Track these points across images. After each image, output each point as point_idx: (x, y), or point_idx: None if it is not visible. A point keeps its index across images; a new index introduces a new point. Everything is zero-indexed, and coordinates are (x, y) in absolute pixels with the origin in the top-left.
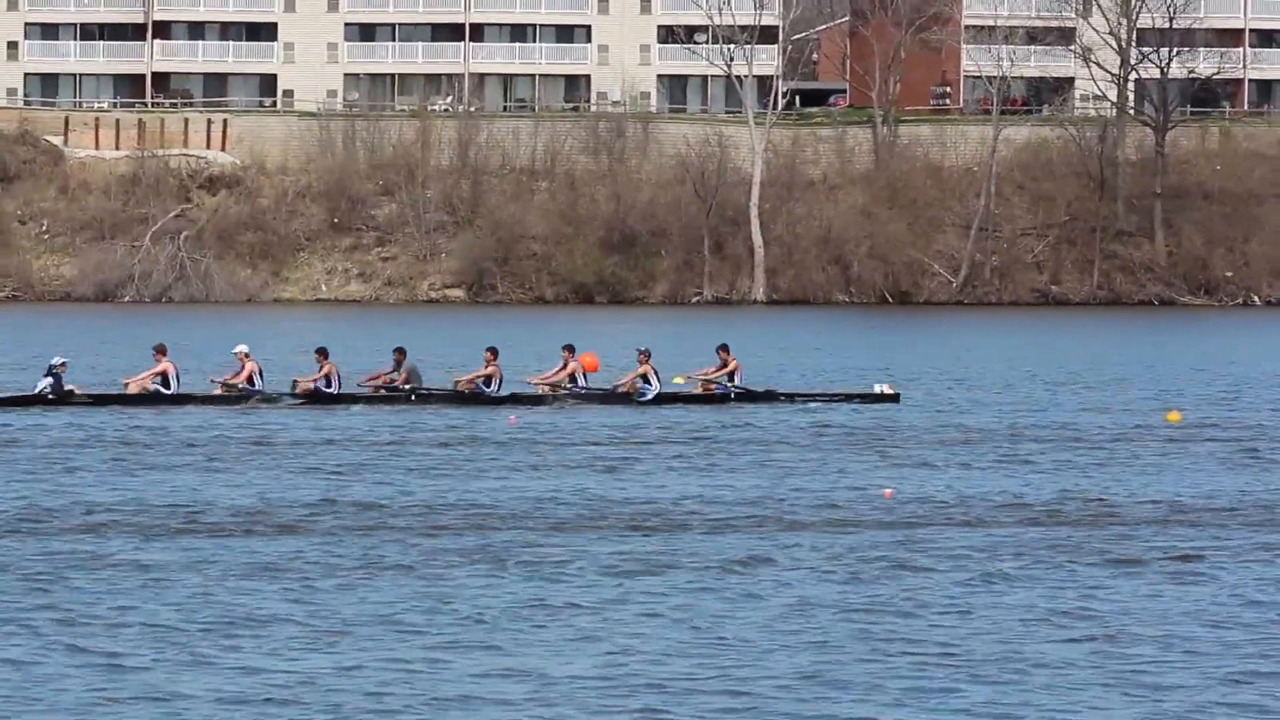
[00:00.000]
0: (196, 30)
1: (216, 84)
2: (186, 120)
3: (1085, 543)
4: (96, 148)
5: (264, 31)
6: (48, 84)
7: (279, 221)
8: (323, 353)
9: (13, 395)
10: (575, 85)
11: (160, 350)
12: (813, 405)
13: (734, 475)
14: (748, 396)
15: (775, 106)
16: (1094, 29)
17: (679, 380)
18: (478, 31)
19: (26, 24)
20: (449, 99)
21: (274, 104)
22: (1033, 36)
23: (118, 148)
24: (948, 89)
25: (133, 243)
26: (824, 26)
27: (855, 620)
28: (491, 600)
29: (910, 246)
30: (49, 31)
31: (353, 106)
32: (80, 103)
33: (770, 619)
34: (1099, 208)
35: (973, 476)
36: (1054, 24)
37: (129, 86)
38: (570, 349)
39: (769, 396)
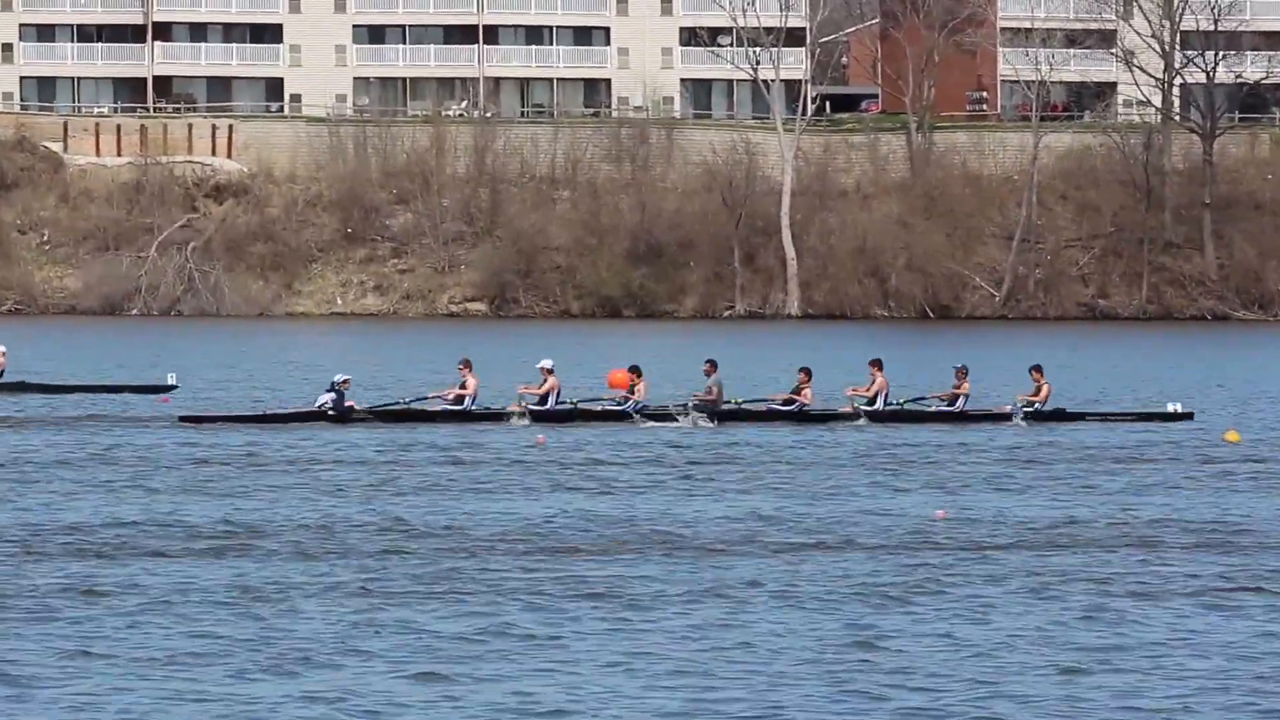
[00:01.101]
0: (199, 32)
1: (220, 88)
2: (190, 126)
3: None
4: (97, 154)
5: (269, 33)
6: (44, 88)
7: (289, 232)
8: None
9: (292, 411)
10: (595, 89)
11: (466, 365)
12: (1101, 423)
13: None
14: (1044, 416)
15: (804, 112)
16: (1135, 31)
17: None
18: (491, 33)
19: (21, 25)
20: (463, 104)
21: (280, 109)
22: (1072, 39)
23: (119, 154)
24: (984, 94)
25: (138, 254)
26: (853, 29)
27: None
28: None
29: (949, 258)
30: (45, 33)
31: (363, 111)
32: (79, 107)
33: None
34: (1145, 218)
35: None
36: (1093, 26)
37: (129, 90)
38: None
39: (1061, 416)
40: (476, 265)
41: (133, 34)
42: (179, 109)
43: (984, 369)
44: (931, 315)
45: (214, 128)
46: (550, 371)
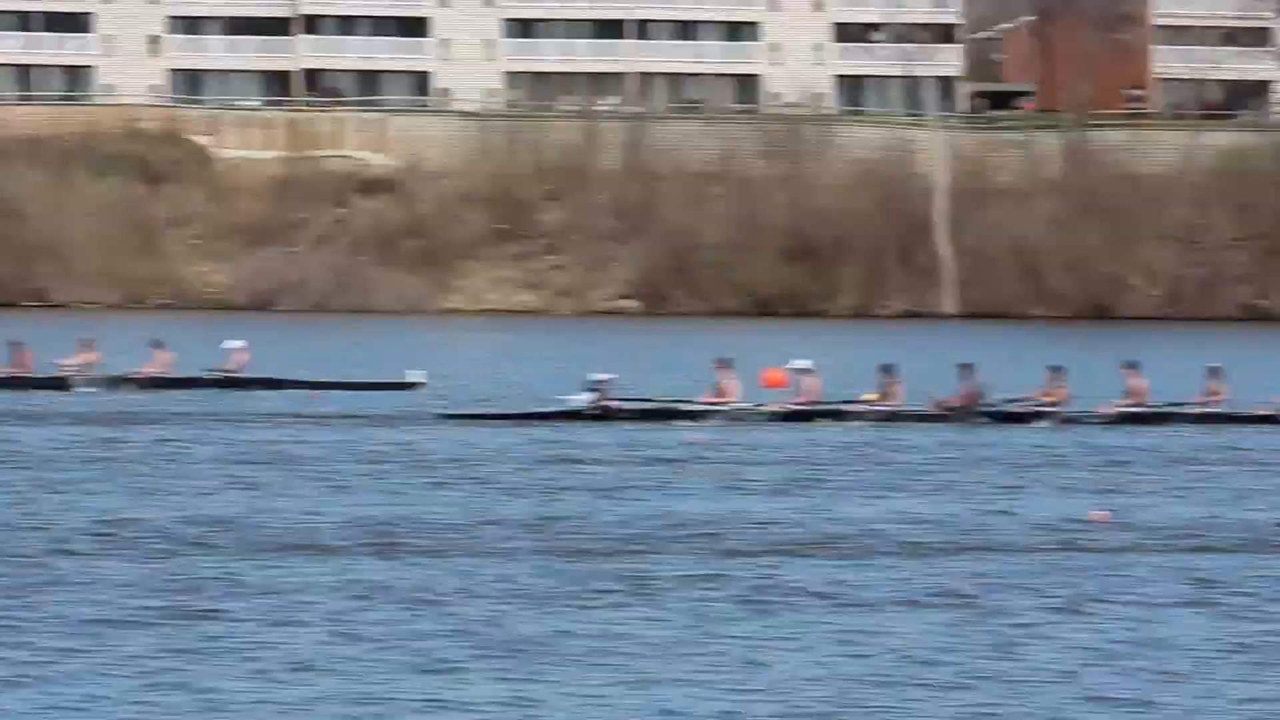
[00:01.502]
0: (347, 25)
1: (368, 81)
2: (340, 120)
3: None
4: (246, 148)
5: (417, 27)
6: (193, 81)
7: (441, 227)
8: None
9: (553, 410)
10: (746, 85)
11: (722, 365)
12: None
13: None
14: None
15: (959, 109)
16: None
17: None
18: (643, 28)
19: (169, 18)
20: (615, 99)
21: (429, 103)
22: (1229, 37)
23: (268, 148)
24: (1141, 92)
25: (288, 249)
26: (1008, 25)
27: None
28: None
29: (1107, 258)
30: (192, 26)
31: (514, 106)
32: (228, 101)
33: None
34: None
35: None
36: (1250, 24)
37: (277, 84)
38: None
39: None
40: (629, 262)
41: (280, 27)
42: (328, 103)
43: (1156, 369)
44: (1089, 315)
45: (364, 122)
46: (806, 372)
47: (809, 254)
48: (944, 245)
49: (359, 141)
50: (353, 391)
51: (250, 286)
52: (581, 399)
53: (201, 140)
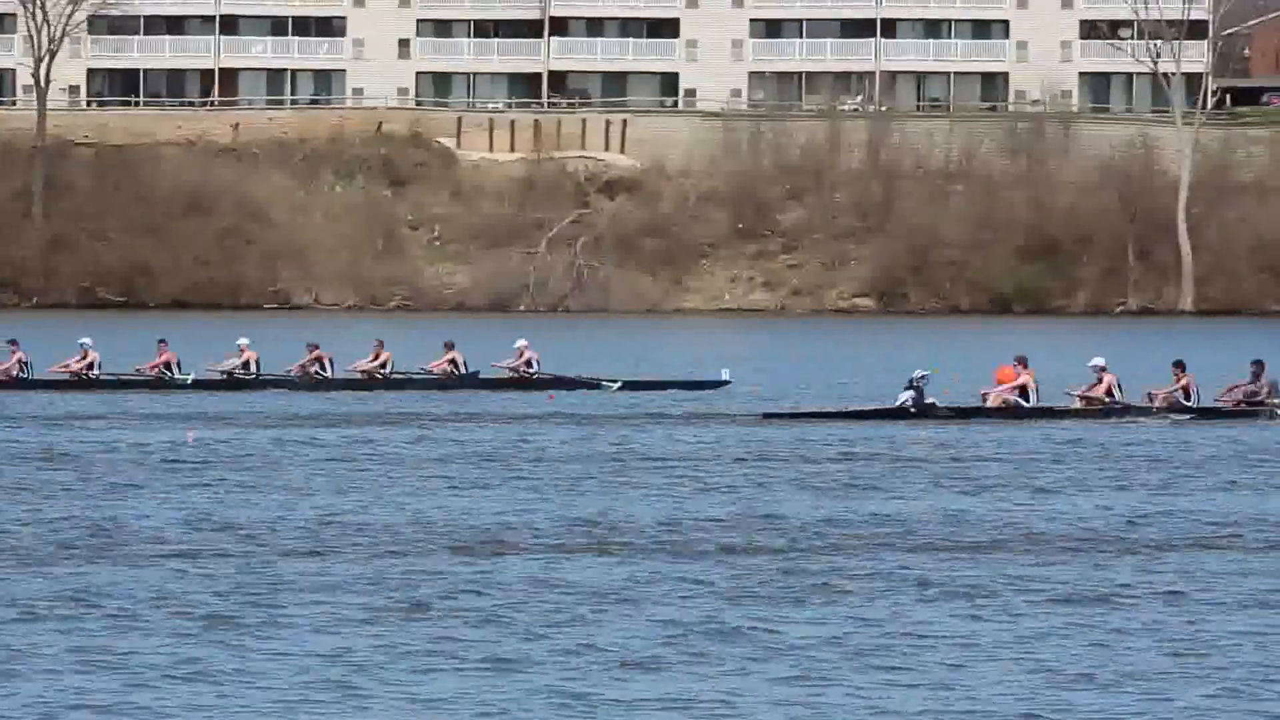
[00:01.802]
0: (595, 27)
1: (615, 83)
2: (584, 121)
3: None
4: (490, 150)
5: (665, 28)
6: (440, 83)
7: (680, 228)
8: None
9: (874, 408)
10: (992, 83)
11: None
12: None
13: None
14: None
15: (1205, 105)
16: None
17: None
18: (889, 27)
19: (419, 20)
20: (859, 98)
21: (674, 104)
22: None
23: (512, 150)
24: None
25: (528, 249)
26: (1257, 21)
27: None
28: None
29: None
30: (442, 29)
31: (758, 106)
32: (473, 103)
33: None
34: None
35: None
36: None
37: (524, 86)
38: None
39: None
40: (867, 261)
41: (529, 29)
42: (573, 104)
43: None
44: None
45: (607, 123)
46: (1103, 370)
47: (1047, 252)
48: (1184, 242)
49: (602, 143)
50: (664, 390)
51: (488, 288)
52: (904, 397)
53: (446, 142)
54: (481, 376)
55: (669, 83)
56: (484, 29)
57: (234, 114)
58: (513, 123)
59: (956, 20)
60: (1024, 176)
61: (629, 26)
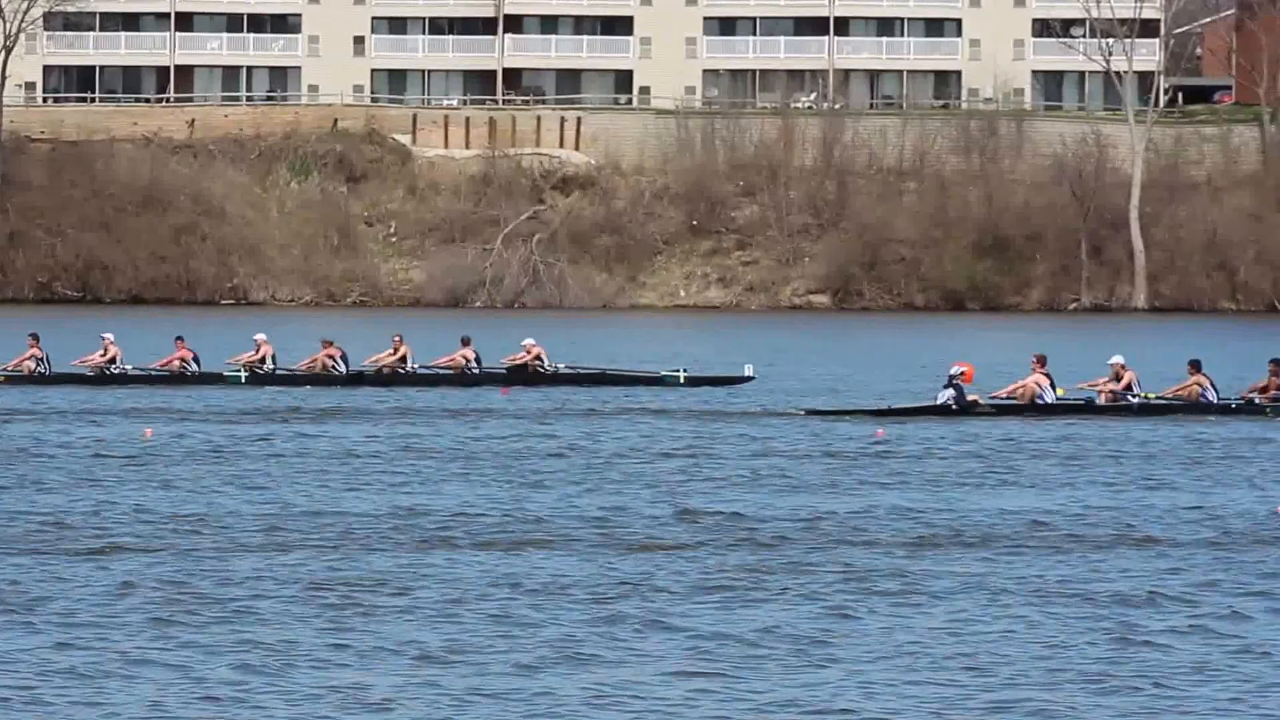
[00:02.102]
0: (549, 24)
1: (569, 80)
2: (539, 118)
3: None
4: (445, 147)
5: (619, 25)
6: (395, 80)
7: (635, 224)
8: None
9: (913, 406)
10: (945, 81)
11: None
12: None
13: None
14: None
15: (1156, 104)
16: None
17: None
18: (842, 25)
19: (374, 18)
20: (812, 96)
21: (629, 101)
22: None
23: (467, 147)
24: None
25: (483, 246)
26: (1208, 20)
27: None
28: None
29: None
30: (396, 26)
31: (712, 104)
32: (428, 100)
33: None
34: None
35: None
36: None
37: (478, 83)
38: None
39: None
40: (821, 257)
41: (483, 26)
42: (528, 101)
43: None
44: (1279, 308)
45: (562, 120)
46: (1124, 367)
47: (1000, 249)
48: (1137, 240)
49: (557, 139)
50: (691, 387)
51: (444, 284)
52: (945, 394)
53: (402, 139)
54: (487, 370)
55: (623, 80)
56: (439, 26)
57: (189, 110)
58: (468, 120)
59: (909, 18)
60: (977, 174)
61: (583, 24)
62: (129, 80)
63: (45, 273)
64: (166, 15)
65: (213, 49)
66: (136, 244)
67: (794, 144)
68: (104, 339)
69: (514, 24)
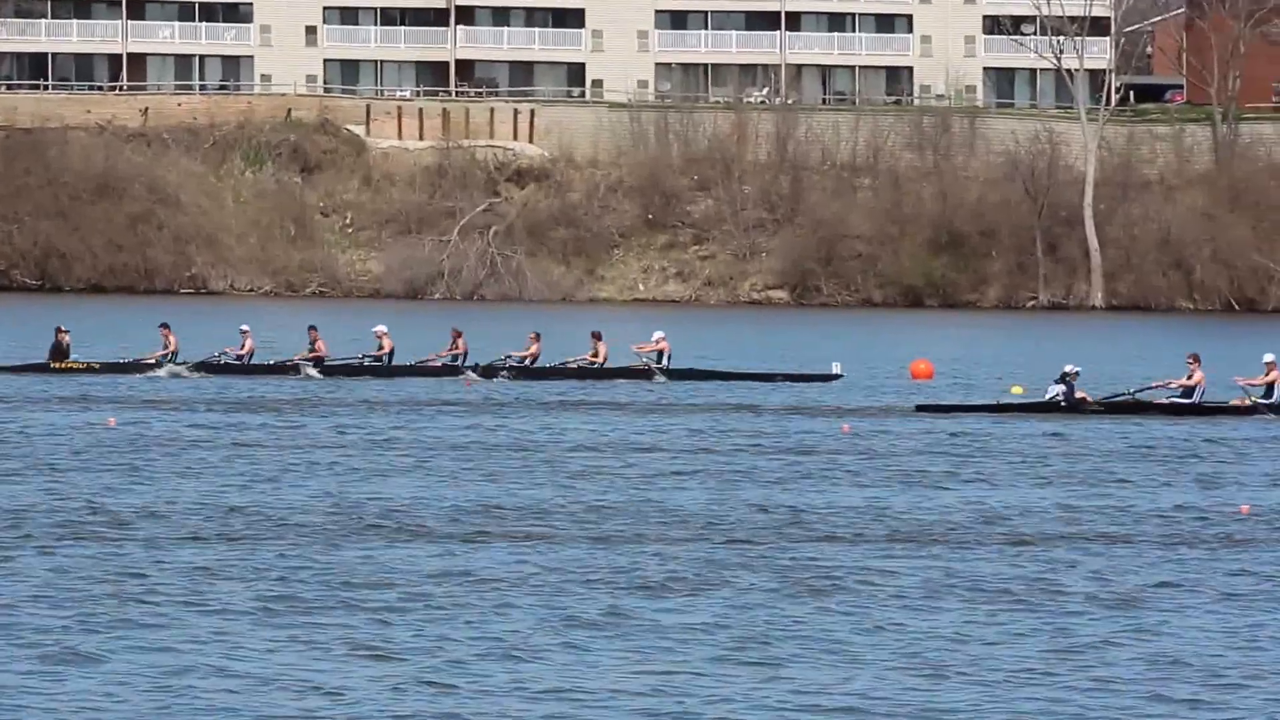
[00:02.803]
0: (501, 16)
1: (522, 73)
2: (492, 110)
3: None
4: (399, 138)
5: (571, 18)
6: (347, 71)
7: (591, 217)
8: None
9: (1026, 402)
10: (896, 77)
11: (1194, 359)
12: None
13: None
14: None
15: (1108, 102)
16: None
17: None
18: (794, 20)
19: (325, 8)
20: (765, 90)
21: (582, 94)
22: None
23: (421, 138)
24: None
25: (440, 237)
26: (1159, 19)
27: None
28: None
29: (1255, 251)
30: (349, 16)
31: (664, 98)
32: (381, 91)
33: None
34: None
35: None
36: None
37: (431, 74)
38: None
39: None
40: (777, 253)
41: (435, 18)
42: (481, 93)
43: None
44: (1236, 308)
45: (515, 112)
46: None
47: (956, 246)
48: (1092, 238)
49: (511, 132)
50: (773, 382)
51: (401, 275)
52: (1054, 390)
53: (355, 130)
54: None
55: (575, 73)
56: (390, 17)
57: (143, 98)
58: (421, 111)
59: (860, 14)
60: (931, 170)
61: (535, 16)
62: (81, 68)
63: (3, 260)
64: (118, 2)
65: (165, 37)
66: (93, 232)
67: (747, 138)
68: (242, 330)
69: (466, 15)
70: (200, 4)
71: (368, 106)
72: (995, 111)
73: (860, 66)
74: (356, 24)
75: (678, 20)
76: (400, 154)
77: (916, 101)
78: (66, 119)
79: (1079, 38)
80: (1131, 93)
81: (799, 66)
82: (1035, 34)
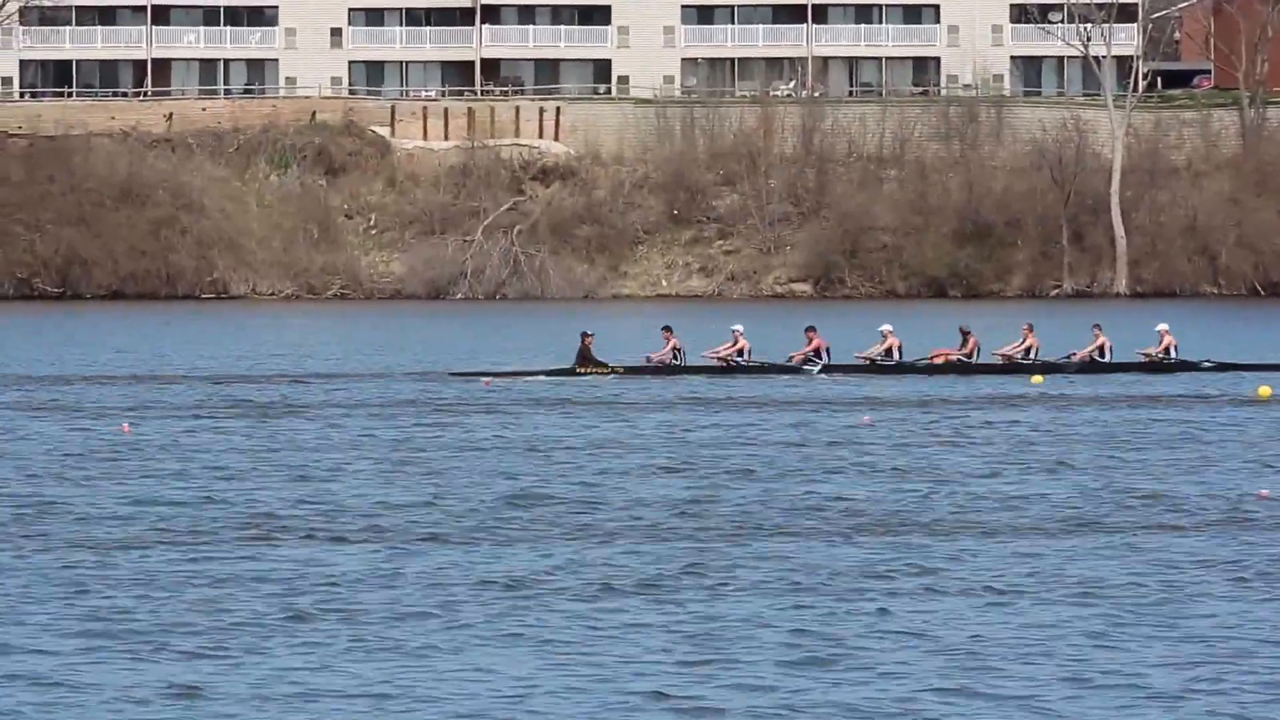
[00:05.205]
0: (527, 14)
1: (548, 70)
2: (518, 109)
3: None
4: (424, 138)
5: (597, 15)
6: (373, 72)
7: (615, 214)
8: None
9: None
10: (924, 68)
11: None
12: None
13: None
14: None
15: (1135, 88)
16: None
17: None
18: (821, 13)
19: (350, 10)
20: (791, 84)
21: (608, 91)
22: None
23: (446, 138)
24: None
25: (464, 237)
26: (1186, 4)
27: None
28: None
29: None
30: (374, 18)
31: (691, 93)
32: (407, 91)
33: None
34: None
35: None
36: None
37: (457, 74)
38: None
39: None
40: (802, 246)
41: (461, 17)
42: (506, 92)
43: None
44: (1262, 293)
45: (541, 110)
46: None
47: (981, 235)
48: (1118, 225)
49: (536, 130)
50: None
51: (424, 276)
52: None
53: (380, 131)
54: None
55: (602, 69)
56: (416, 17)
57: (167, 104)
58: (446, 111)
59: (887, 5)
60: (957, 161)
61: (561, 13)
62: (106, 74)
63: (25, 269)
64: (143, 9)
65: (189, 42)
66: (115, 238)
67: (773, 132)
68: (734, 331)
69: (491, 14)
70: (225, 8)
71: (392, 108)
72: (1022, 100)
73: (887, 58)
74: (382, 25)
75: (704, 15)
76: (425, 155)
77: (944, 92)
78: (90, 126)
79: (1106, 24)
80: (1159, 79)
81: (825, 59)
82: (1063, 22)
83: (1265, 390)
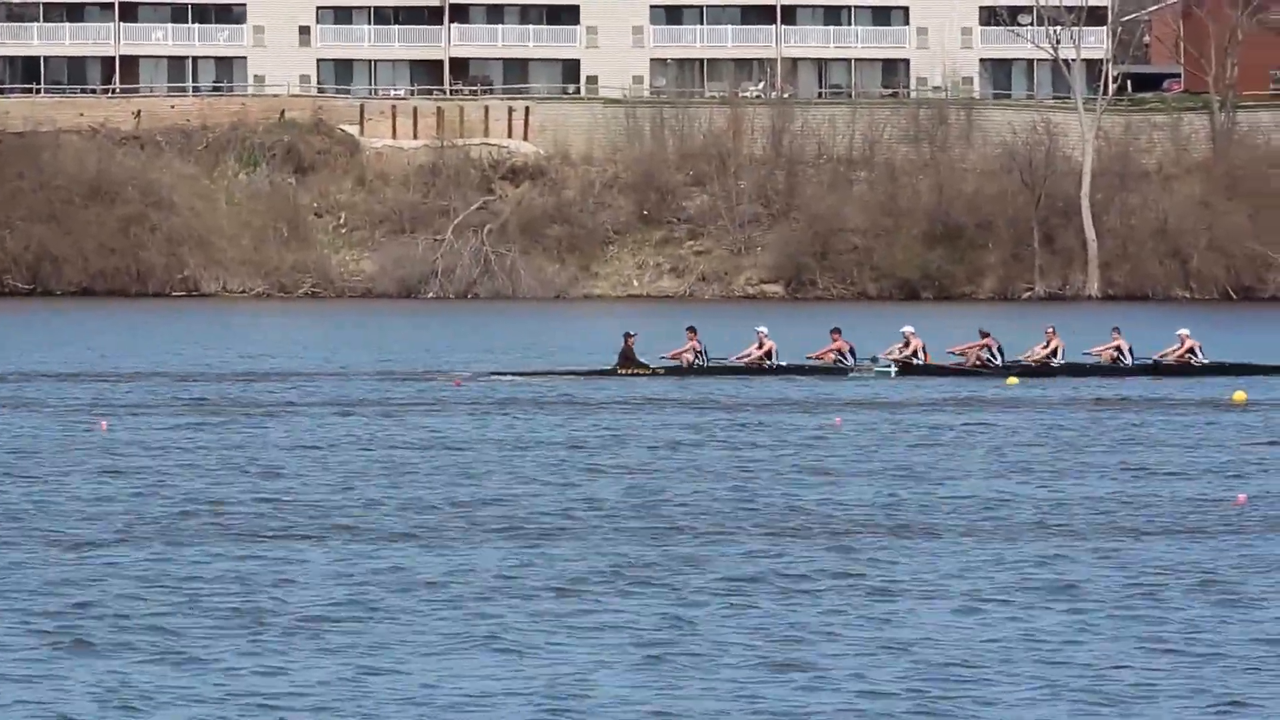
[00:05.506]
0: (495, 14)
1: (517, 70)
2: (487, 108)
3: None
4: (394, 137)
5: (566, 15)
6: (341, 70)
7: (585, 214)
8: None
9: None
10: (893, 70)
11: None
12: None
13: None
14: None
15: (1105, 92)
16: None
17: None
18: (790, 14)
19: (319, 8)
20: (760, 85)
21: (577, 91)
22: None
23: (415, 137)
24: None
25: (434, 236)
26: (1156, 7)
27: None
28: None
29: (1252, 239)
30: (342, 15)
31: (660, 93)
32: (375, 90)
33: None
34: None
35: None
36: None
37: (425, 73)
38: None
39: None
40: (772, 247)
41: (429, 16)
42: (475, 91)
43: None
44: (1234, 296)
45: (510, 110)
46: None
47: (952, 238)
48: (1089, 228)
49: (505, 129)
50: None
51: (394, 275)
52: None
53: (349, 129)
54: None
55: (570, 69)
56: (384, 16)
57: (136, 101)
58: (415, 110)
59: (856, 6)
60: (927, 163)
61: (529, 13)
62: (74, 71)
63: None
64: (111, 6)
65: (158, 39)
66: (85, 235)
67: (743, 133)
68: (759, 332)
69: (460, 13)
70: (193, 5)
71: (362, 106)
72: (992, 103)
73: (856, 59)
74: (350, 23)
75: (673, 15)
76: (394, 153)
77: (913, 94)
78: (59, 122)
79: (1076, 27)
80: (1129, 82)
81: (794, 60)
82: (1032, 24)
83: (1240, 395)
